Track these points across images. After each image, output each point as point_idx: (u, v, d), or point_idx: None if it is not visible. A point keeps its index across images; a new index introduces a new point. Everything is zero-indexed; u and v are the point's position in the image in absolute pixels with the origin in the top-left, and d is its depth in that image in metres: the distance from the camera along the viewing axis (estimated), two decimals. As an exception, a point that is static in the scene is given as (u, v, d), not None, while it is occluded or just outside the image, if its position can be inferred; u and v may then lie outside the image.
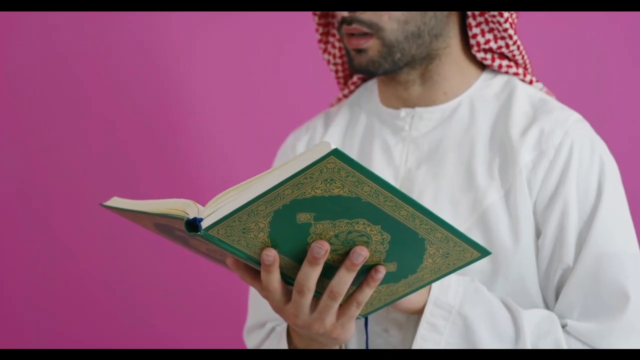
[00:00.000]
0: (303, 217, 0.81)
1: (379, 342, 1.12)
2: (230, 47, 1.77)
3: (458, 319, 1.01)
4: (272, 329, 1.18)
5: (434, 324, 1.01)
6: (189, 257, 1.70)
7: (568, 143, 1.08)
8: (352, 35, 1.11)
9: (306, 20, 1.33)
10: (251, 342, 1.22)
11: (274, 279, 0.86)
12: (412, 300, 1.00)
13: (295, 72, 1.75)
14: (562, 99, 1.21)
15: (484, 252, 0.89)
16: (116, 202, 0.91)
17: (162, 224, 0.88)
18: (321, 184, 0.77)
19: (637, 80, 1.68)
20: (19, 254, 1.80)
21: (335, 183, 0.77)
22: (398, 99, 1.18)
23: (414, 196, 1.12)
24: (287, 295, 0.89)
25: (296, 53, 1.71)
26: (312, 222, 0.81)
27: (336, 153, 0.74)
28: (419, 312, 1.02)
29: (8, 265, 1.81)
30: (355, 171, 0.76)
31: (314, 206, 0.79)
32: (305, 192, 0.78)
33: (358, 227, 0.83)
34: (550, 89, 1.24)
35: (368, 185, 0.78)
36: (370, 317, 1.09)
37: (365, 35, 1.09)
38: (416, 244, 0.86)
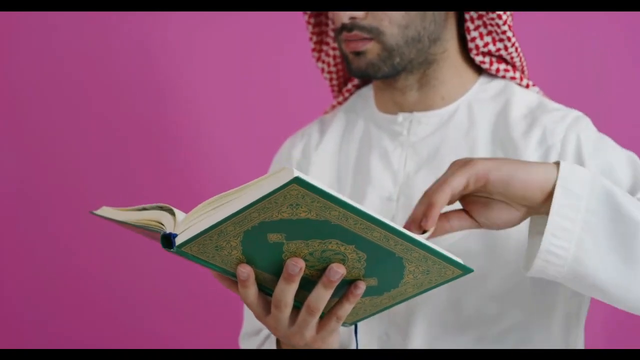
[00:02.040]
0: (274, 237, 0.79)
1: (378, 344, 1.11)
2: (229, 48, 1.77)
3: (597, 183, 0.91)
4: (267, 337, 1.18)
5: (570, 189, 0.89)
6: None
7: (573, 136, 1.08)
8: (351, 40, 1.10)
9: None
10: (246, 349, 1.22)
11: (251, 293, 0.86)
12: (532, 171, 0.89)
13: (295, 73, 1.74)
14: (562, 99, 1.21)
15: (465, 270, 0.87)
16: (104, 211, 0.91)
17: (147, 233, 0.87)
18: (287, 208, 0.75)
19: (637, 80, 1.68)
20: (19, 254, 1.81)
21: (301, 207, 0.76)
22: (395, 104, 1.17)
23: (415, 201, 1.11)
24: (267, 307, 0.88)
25: (296, 53, 1.71)
26: (283, 241, 0.80)
27: (298, 181, 0.72)
28: (539, 190, 0.90)
29: (8, 266, 1.81)
30: (320, 197, 0.74)
31: (283, 228, 0.78)
32: (272, 215, 0.76)
33: (331, 246, 0.81)
34: (550, 89, 1.24)
35: (335, 210, 0.76)
36: (369, 321, 1.08)
37: (364, 38, 1.09)
38: (394, 261, 0.85)
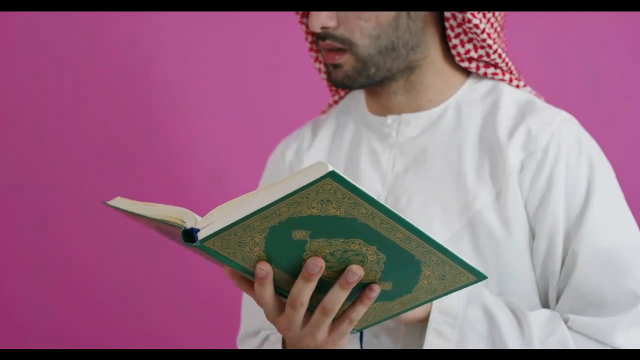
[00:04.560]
0: (299, 234, 0.81)
1: (369, 347, 1.12)
2: (224, 48, 1.77)
3: (465, 325, 1.01)
4: (266, 338, 1.18)
5: (440, 331, 1.01)
6: (190, 257, 1.70)
7: (555, 144, 1.08)
8: (329, 50, 1.12)
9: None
10: None
11: (267, 292, 0.86)
12: (414, 310, 0.99)
13: (290, 74, 1.75)
14: (560, 99, 1.21)
15: (480, 277, 0.89)
16: (119, 202, 0.92)
17: (163, 228, 0.88)
18: (317, 203, 0.77)
19: (636, 81, 1.68)
20: (19, 254, 1.81)
21: (331, 204, 0.77)
22: (383, 108, 1.18)
23: (403, 201, 1.12)
24: (281, 308, 0.89)
25: (292, 53, 1.71)
26: (307, 239, 0.81)
27: (333, 175, 0.73)
28: (422, 321, 1.02)
29: (8, 266, 1.81)
30: (351, 193, 0.76)
31: (309, 224, 0.79)
32: (301, 211, 0.77)
33: (354, 246, 0.82)
34: (549, 90, 1.24)
35: (364, 207, 0.78)
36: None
37: (339, 50, 1.11)
38: (412, 265, 0.86)
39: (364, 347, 1.11)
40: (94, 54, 1.77)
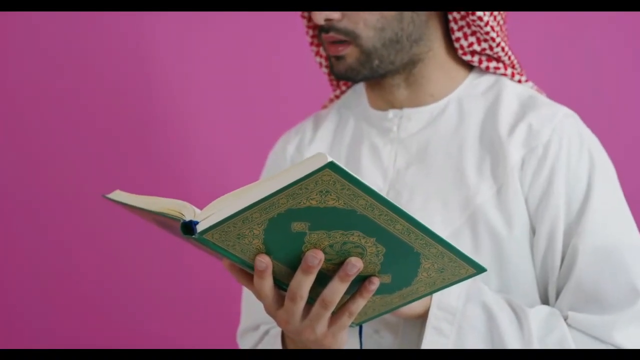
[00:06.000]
0: (298, 226, 0.80)
1: (370, 344, 1.12)
2: (223, 47, 1.77)
3: (464, 322, 1.01)
4: (266, 332, 1.18)
5: (439, 328, 1.01)
6: (190, 257, 1.70)
7: (556, 140, 1.08)
8: (332, 42, 1.11)
9: (300, 20, 1.33)
10: (245, 345, 1.22)
11: (267, 285, 0.86)
12: (413, 305, 1.00)
13: (291, 73, 1.74)
14: (560, 99, 1.21)
15: (479, 269, 0.89)
16: (118, 195, 0.92)
17: (162, 220, 0.88)
18: (316, 195, 0.77)
19: (636, 81, 1.68)
20: (19, 254, 1.81)
21: (330, 195, 0.77)
22: (385, 102, 1.18)
23: (405, 197, 1.12)
24: (280, 301, 0.89)
25: (290, 52, 1.71)
26: (306, 231, 0.81)
27: (331, 166, 0.73)
28: (420, 317, 1.02)
29: (8, 266, 1.81)
30: (350, 184, 0.76)
31: (308, 216, 0.79)
32: (300, 202, 0.77)
33: (353, 238, 0.82)
34: (549, 90, 1.24)
35: (363, 199, 0.78)
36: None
37: (343, 42, 1.10)
38: (411, 257, 0.86)
39: (364, 342, 1.11)
40: (94, 54, 1.78)
